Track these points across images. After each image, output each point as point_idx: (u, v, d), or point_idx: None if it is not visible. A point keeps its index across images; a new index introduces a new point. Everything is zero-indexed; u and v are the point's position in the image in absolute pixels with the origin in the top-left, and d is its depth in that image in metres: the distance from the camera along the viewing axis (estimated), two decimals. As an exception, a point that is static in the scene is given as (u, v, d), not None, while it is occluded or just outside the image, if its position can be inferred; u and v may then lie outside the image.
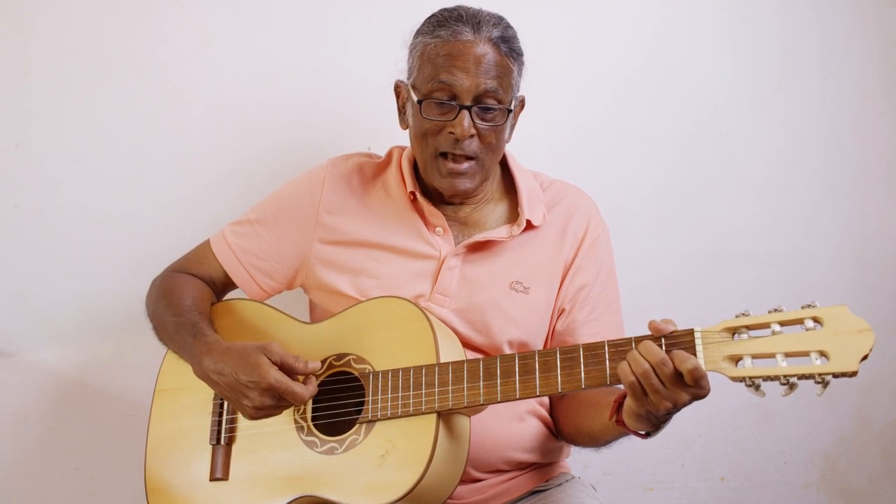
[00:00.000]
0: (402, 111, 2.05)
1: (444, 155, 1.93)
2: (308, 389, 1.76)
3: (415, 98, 1.94)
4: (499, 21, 1.95)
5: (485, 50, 1.89)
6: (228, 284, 2.12)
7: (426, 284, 1.98)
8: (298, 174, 2.15)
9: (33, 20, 2.41)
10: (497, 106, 1.91)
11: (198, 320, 1.93)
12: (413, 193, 2.01)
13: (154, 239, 2.45)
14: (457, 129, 1.89)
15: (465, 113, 1.89)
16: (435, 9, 2.00)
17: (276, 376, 1.74)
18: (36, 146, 2.42)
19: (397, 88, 2.05)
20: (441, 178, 1.95)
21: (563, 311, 2.03)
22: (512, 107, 1.95)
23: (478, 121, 1.90)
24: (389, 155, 2.13)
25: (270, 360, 1.76)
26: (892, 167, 2.71)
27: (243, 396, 1.77)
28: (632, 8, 2.64)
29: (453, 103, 1.89)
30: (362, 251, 2.01)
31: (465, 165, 1.93)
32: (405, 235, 2.01)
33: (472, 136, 1.90)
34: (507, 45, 1.93)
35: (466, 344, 1.94)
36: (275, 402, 1.77)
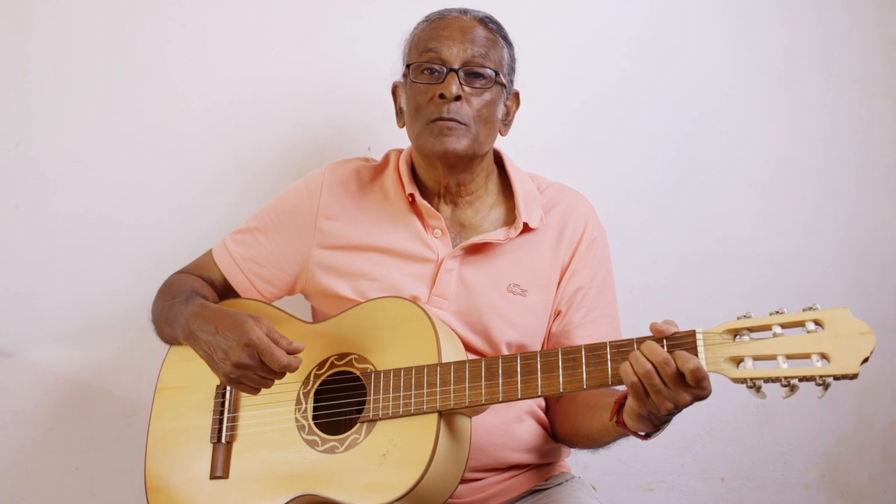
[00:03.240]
0: (399, 112, 2.07)
1: (434, 121, 1.95)
2: (289, 357, 1.72)
3: (404, 67, 2.00)
4: (486, 14, 2.03)
5: (472, 24, 1.99)
6: (229, 291, 2.12)
7: (424, 287, 1.98)
8: (298, 178, 2.15)
9: (33, 20, 2.41)
10: (485, 71, 1.96)
11: (193, 295, 1.95)
12: (412, 195, 2.02)
13: (154, 239, 2.45)
14: (445, 90, 1.92)
15: (453, 75, 1.93)
16: (434, 9, 2.04)
17: (259, 334, 1.71)
18: (36, 146, 2.43)
19: (394, 90, 2.08)
20: (433, 140, 1.95)
21: (559, 312, 2.04)
22: (502, 80, 1.99)
23: (466, 86, 1.94)
24: (386, 158, 2.13)
25: (258, 324, 1.74)
26: (892, 167, 2.71)
27: (222, 352, 1.75)
28: (631, 7, 2.65)
29: (443, 69, 1.94)
30: (361, 255, 2.02)
31: (455, 123, 1.94)
32: (403, 238, 2.02)
33: (458, 98, 1.93)
34: (496, 25, 2.01)
35: (466, 346, 1.94)
36: (253, 362, 1.73)
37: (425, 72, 1.96)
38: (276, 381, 1.88)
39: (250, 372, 1.75)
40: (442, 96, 1.93)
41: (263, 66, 2.50)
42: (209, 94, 2.48)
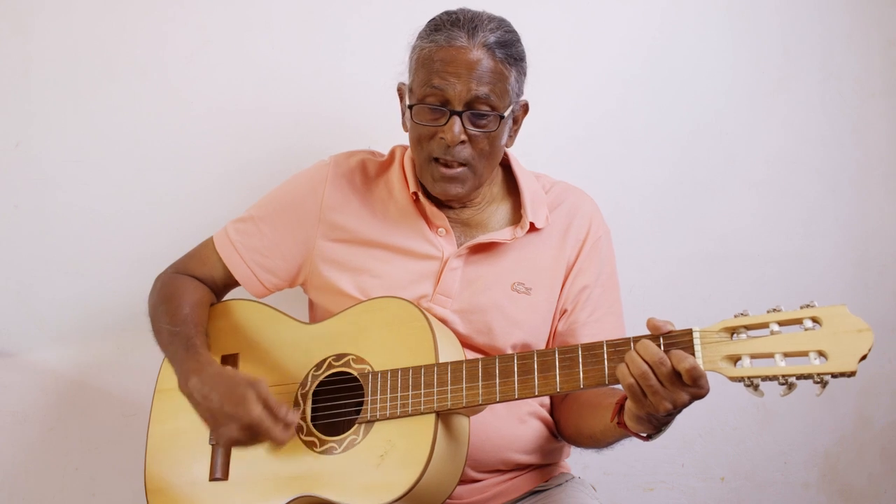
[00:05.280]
0: (405, 112, 2.04)
1: (436, 160, 1.92)
2: (287, 434, 1.75)
3: (407, 103, 1.94)
4: (498, 26, 1.93)
5: (478, 56, 1.87)
6: (231, 283, 2.12)
7: (428, 285, 1.98)
8: (300, 170, 2.14)
9: (33, 20, 2.41)
10: (490, 112, 1.89)
11: (192, 334, 1.93)
12: (415, 194, 2.01)
13: (154, 239, 2.45)
14: (447, 135, 1.88)
15: (456, 119, 1.88)
16: (435, 11, 1.99)
17: (260, 414, 1.73)
18: (36, 146, 2.43)
19: (400, 91, 2.04)
20: (433, 183, 1.94)
21: (564, 311, 2.04)
22: (506, 113, 1.92)
23: (469, 127, 1.89)
24: (392, 154, 2.12)
25: (257, 395, 1.75)
26: (892, 167, 2.71)
27: (222, 425, 1.76)
28: (632, 9, 2.64)
29: (444, 109, 1.88)
30: (365, 250, 2.01)
31: (457, 170, 1.92)
32: (408, 235, 2.01)
33: (462, 142, 1.89)
34: (504, 51, 1.91)
35: (468, 345, 1.95)
36: (250, 439, 1.76)
37: (427, 109, 1.91)
38: (275, 383, 1.91)
39: (246, 444, 1.78)
40: (444, 139, 1.89)
41: (263, 66, 2.50)
42: (209, 93, 2.48)
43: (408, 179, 2.03)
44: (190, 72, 2.47)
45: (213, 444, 1.90)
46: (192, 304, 2.02)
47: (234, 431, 1.75)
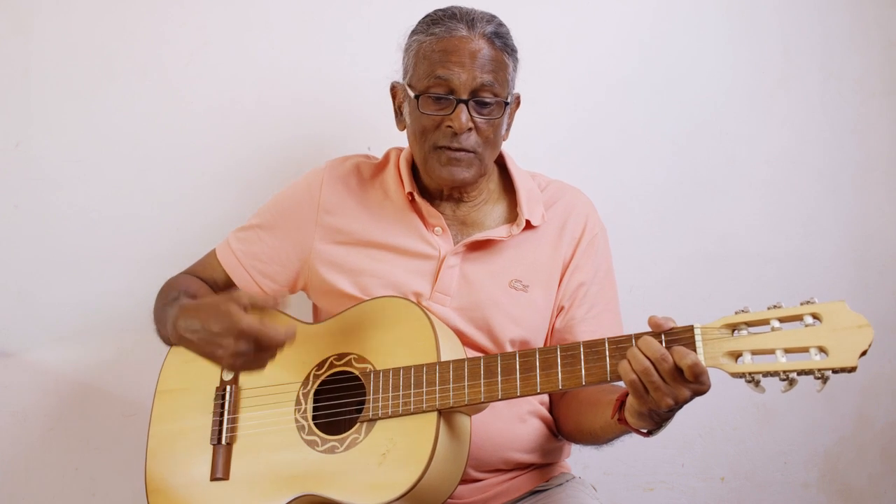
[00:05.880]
0: (398, 112, 2.07)
1: (442, 148, 1.94)
2: (284, 332, 1.70)
3: (412, 94, 1.95)
4: (492, 18, 1.98)
5: (480, 45, 1.92)
6: (232, 289, 2.12)
7: (426, 283, 1.98)
8: (298, 176, 2.16)
9: (33, 20, 2.41)
10: (494, 99, 1.93)
11: (180, 296, 1.93)
12: (411, 194, 2.02)
13: (154, 239, 2.45)
14: (455, 123, 1.90)
15: (463, 107, 1.91)
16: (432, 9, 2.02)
17: (247, 320, 1.69)
18: (36, 146, 2.43)
19: (393, 90, 2.07)
20: (441, 168, 1.95)
21: (561, 308, 2.05)
22: (509, 100, 1.96)
23: (475, 115, 1.92)
24: (387, 156, 2.14)
25: (240, 305, 1.71)
26: (893, 167, 2.71)
27: (217, 346, 1.72)
28: (631, 7, 2.65)
29: (450, 98, 1.91)
30: (362, 251, 2.02)
31: (463, 153, 1.94)
32: (404, 235, 2.02)
33: (469, 129, 1.92)
34: (502, 41, 1.96)
35: (468, 342, 1.95)
36: (251, 347, 1.70)
37: (432, 100, 1.93)
38: (276, 382, 1.91)
39: (251, 356, 1.72)
40: (450, 127, 1.92)
41: (263, 66, 2.50)
42: (209, 93, 2.48)
43: (403, 180, 2.04)
44: (190, 72, 2.48)
45: (216, 445, 1.90)
46: (188, 285, 2.04)
47: (230, 346, 1.70)
